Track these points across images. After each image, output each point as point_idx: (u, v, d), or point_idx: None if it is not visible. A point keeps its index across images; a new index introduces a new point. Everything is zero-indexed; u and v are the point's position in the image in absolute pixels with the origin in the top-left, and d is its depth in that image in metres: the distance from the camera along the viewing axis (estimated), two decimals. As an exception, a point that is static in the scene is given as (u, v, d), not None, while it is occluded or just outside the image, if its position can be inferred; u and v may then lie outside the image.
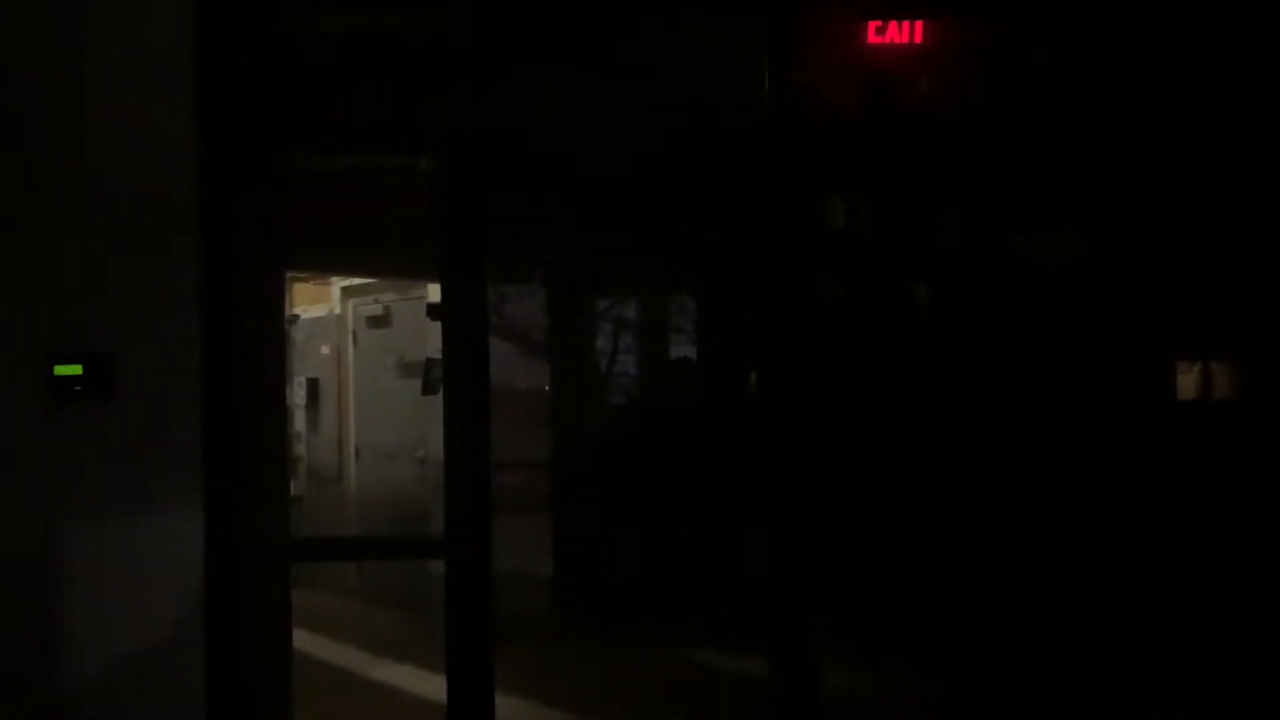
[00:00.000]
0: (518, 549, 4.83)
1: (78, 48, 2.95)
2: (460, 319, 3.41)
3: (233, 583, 3.13)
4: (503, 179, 3.59)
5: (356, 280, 7.31)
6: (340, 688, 4.99)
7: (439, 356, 3.56)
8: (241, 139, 3.14)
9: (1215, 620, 4.07)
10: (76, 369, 2.89)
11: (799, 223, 4.30)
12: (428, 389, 5.99)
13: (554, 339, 6.18)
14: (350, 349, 7.43)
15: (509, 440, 4.18)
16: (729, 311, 6.13)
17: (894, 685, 4.35)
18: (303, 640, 3.55)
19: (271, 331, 3.51)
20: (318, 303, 7.69)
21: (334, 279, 7.41)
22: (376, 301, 7.19)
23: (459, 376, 3.39)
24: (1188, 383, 5.18)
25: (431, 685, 4.85)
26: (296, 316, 7.48)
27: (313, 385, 7.61)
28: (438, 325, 7.03)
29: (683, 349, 6.56)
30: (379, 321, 7.21)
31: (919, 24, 4.07)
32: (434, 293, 6.72)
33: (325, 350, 7.57)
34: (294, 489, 6.53)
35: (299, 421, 7.54)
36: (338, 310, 7.55)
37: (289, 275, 6.02)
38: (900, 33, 4.11)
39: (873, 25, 4.11)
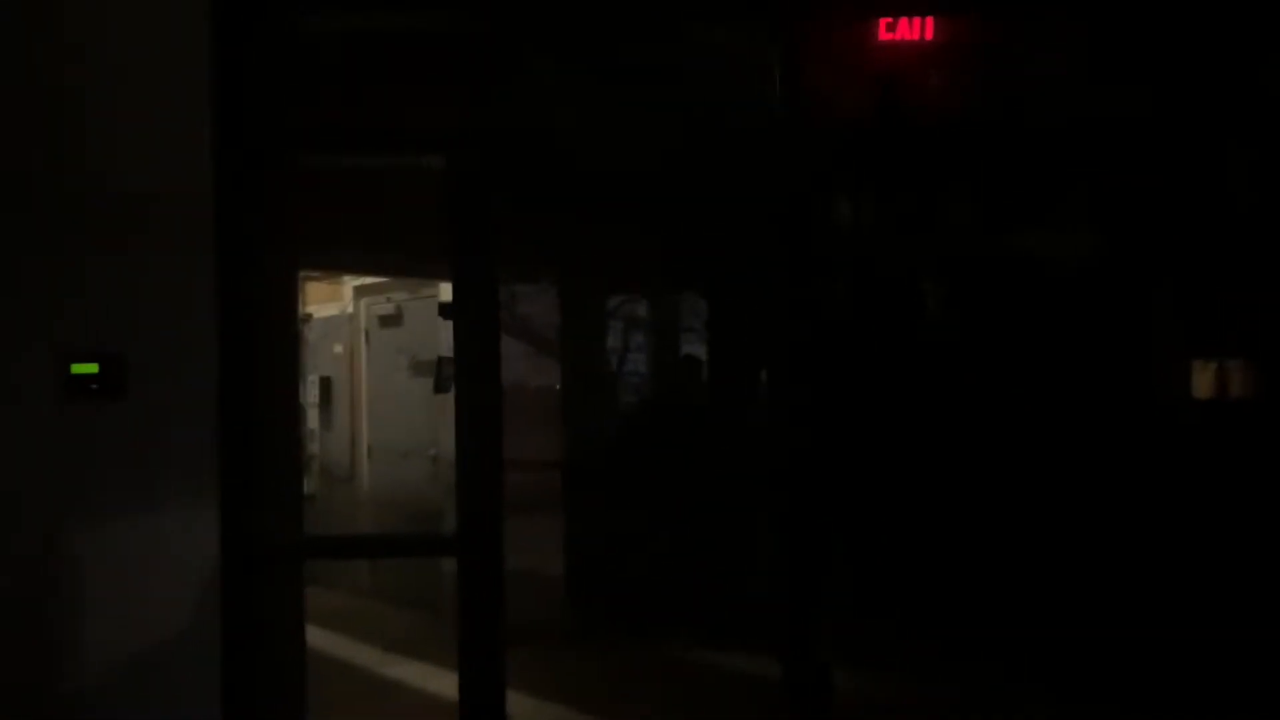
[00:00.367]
0: (529, 548, 4.83)
1: (93, 49, 2.97)
2: (471, 318, 3.41)
3: (246, 580, 3.15)
4: (514, 178, 3.60)
5: (369, 280, 7.34)
6: (354, 686, 5.01)
7: (451, 355, 3.56)
8: (255, 139, 3.15)
9: (1227, 621, 4.05)
10: (92, 367, 2.91)
11: (809, 222, 4.30)
12: (440, 387, 6.01)
13: (565, 338, 6.19)
14: (363, 348, 7.46)
15: (520, 439, 4.19)
16: (740, 311, 6.13)
17: (905, 687, 4.35)
18: (316, 638, 3.56)
19: (285, 330, 3.53)
20: (331, 302, 7.73)
21: (347, 278, 7.44)
22: (389, 301, 7.22)
23: (471, 375, 3.39)
24: (1201, 382, 5.15)
25: (444, 683, 4.86)
26: (310, 315, 7.52)
27: (326, 384, 7.65)
28: (449, 324, 7.06)
29: (693, 348, 6.56)
30: (391, 320, 7.24)
31: (929, 21, 4.06)
32: (445, 292, 6.77)
33: (338, 349, 7.60)
34: (307, 487, 6.57)
35: (312, 420, 7.58)
36: (350, 309, 7.58)
37: (302, 274, 6.04)
38: (911, 30, 4.10)
39: (883, 22, 4.10)
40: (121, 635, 2.91)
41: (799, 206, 4.30)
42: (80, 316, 2.92)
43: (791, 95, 3.73)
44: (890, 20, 4.09)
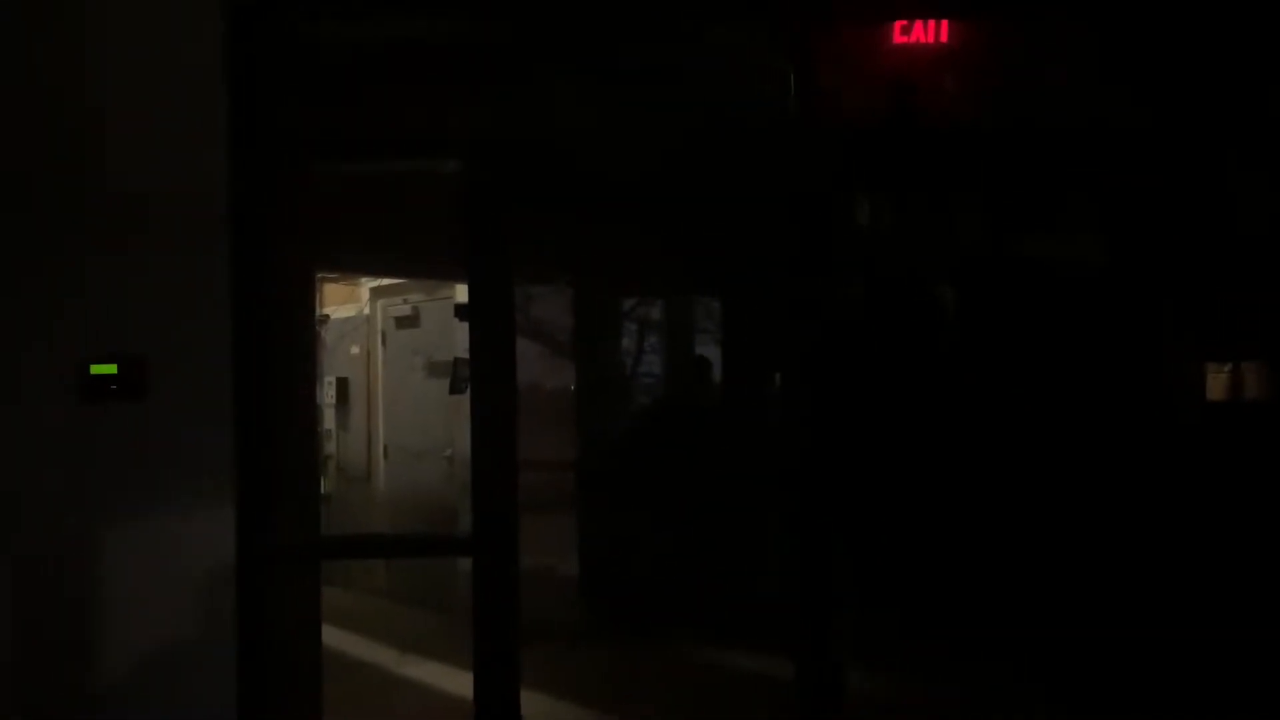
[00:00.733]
0: (543, 549, 4.86)
1: (111, 54, 3.00)
2: (487, 319, 3.43)
3: (262, 580, 3.17)
4: (528, 181, 3.61)
5: (385, 281, 7.38)
6: (369, 685, 5.04)
7: (466, 356, 3.59)
8: (272, 142, 3.18)
9: (1231, 622, 4.03)
10: (111, 368, 2.94)
11: (822, 225, 4.30)
12: (455, 388, 6.03)
13: (579, 339, 6.21)
14: (379, 349, 7.50)
15: (535, 440, 4.21)
16: (753, 313, 6.14)
17: (913, 686, 4.34)
18: (332, 638, 3.59)
19: (302, 331, 3.56)
20: (348, 303, 7.78)
21: (364, 280, 7.49)
22: (405, 302, 7.26)
23: (486, 376, 3.41)
24: (1214, 385, 5.13)
25: (459, 682, 4.88)
26: (327, 317, 7.57)
27: (342, 384, 7.69)
28: (465, 326, 7.09)
29: (706, 350, 6.57)
30: (407, 322, 7.28)
31: (944, 24, 4.06)
32: (461, 293, 6.80)
33: (355, 350, 7.65)
34: (323, 487, 6.61)
35: (329, 420, 7.63)
36: (367, 311, 7.63)
37: (320, 276, 6.09)
38: (925, 32, 4.10)
39: (898, 25, 4.10)
40: (137, 636, 2.94)
41: (811, 209, 4.31)
42: (98, 317, 2.95)
43: (805, 98, 3.73)
44: (905, 23, 4.09)
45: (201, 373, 3.03)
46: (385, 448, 7.38)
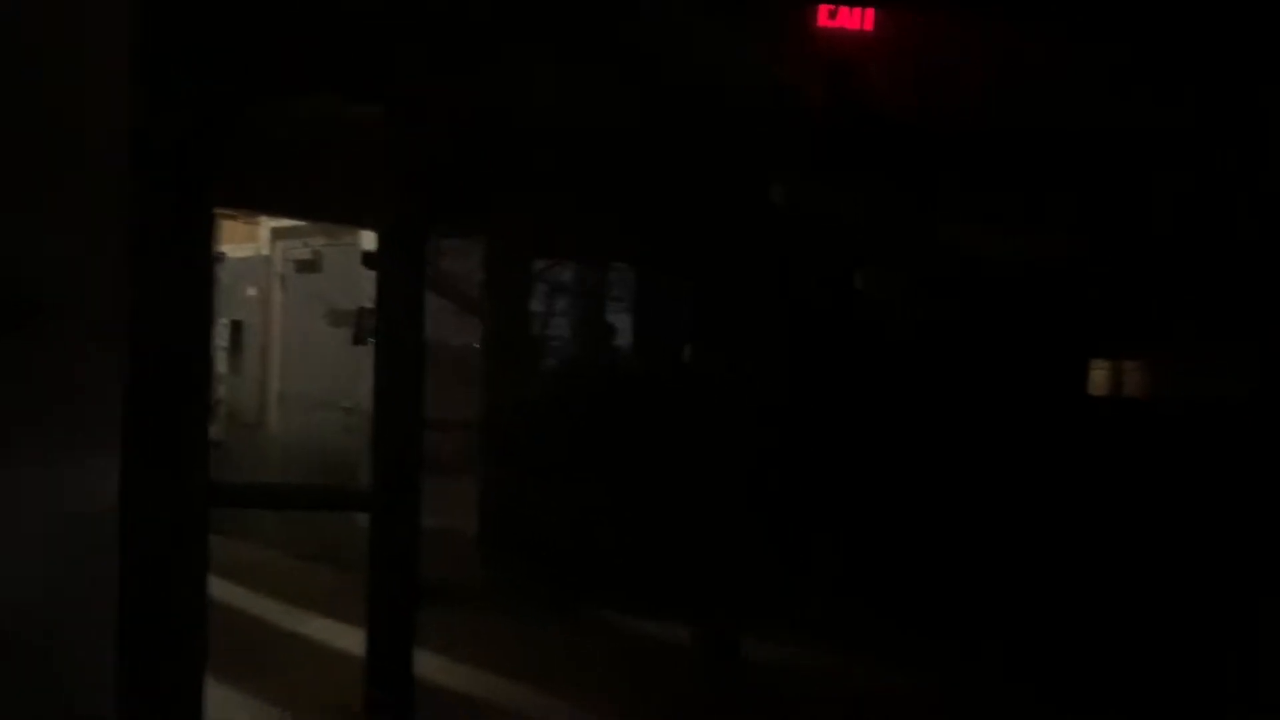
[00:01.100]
0: (441, 509, 4.77)
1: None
2: (397, 270, 3.33)
3: (150, 527, 3.03)
4: (452, 134, 3.51)
5: (286, 222, 7.12)
6: (255, 639, 4.90)
7: (372, 306, 3.47)
8: (181, 75, 3.00)
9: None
10: (-12, 299, 2.75)
11: (740, 202, 4.29)
12: (359, 339, 5.88)
13: (489, 297, 6.09)
14: (277, 292, 7.25)
15: (436, 398, 4.11)
16: (667, 283, 6.12)
17: (820, 659, 4.41)
18: (219, 590, 3.46)
19: (200, 270, 3.39)
20: (245, 243, 7.49)
21: (263, 219, 7.21)
22: (306, 245, 7.02)
23: (392, 328, 3.31)
24: (1119, 379, 5.31)
25: (350, 639, 4.79)
26: (222, 255, 7.27)
27: (236, 327, 7.42)
28: (371, 273, 6.89)
29: (618, 317, 6.53)
30: (309, 266, 7.04)
31: (869, 12, 4.08)
32: (368, 240, 6.61)
33: (251, 292, 7.37)
34: (212, 433, 6.37)
35: (220, 363, 7.35)
36: (266, 252, 7.35)
37: (217, 213, 5.82)
38: (851, 19, 4.11)
39: (824, 9, 4.10)
40: (10, 584, 2.78)
41: (738, 185, 4.29)
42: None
43: (737, 75, 3.71)
44: (831, 8, 4.09)
45: (92, 308, 2.85)
46: (279, 395, 7.16)
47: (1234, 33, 3.79)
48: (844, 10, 4.20)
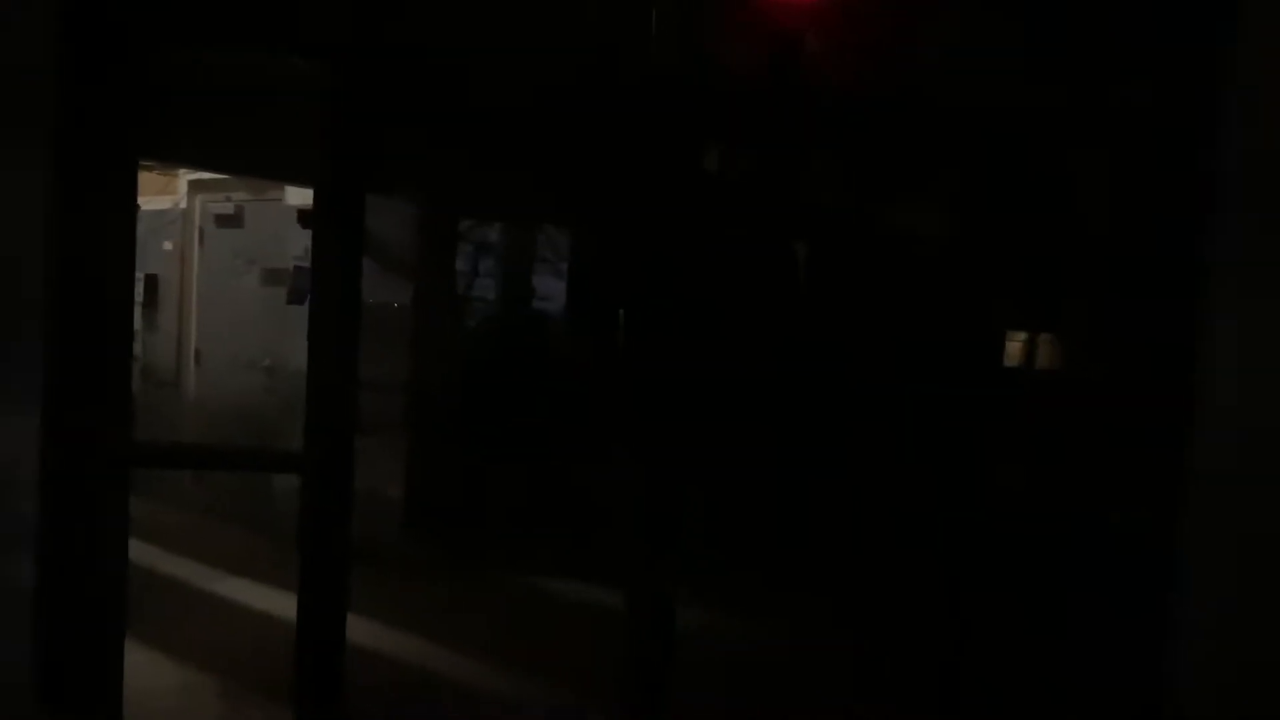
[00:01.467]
0: (365, 470, 4.72)
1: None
2: (333, 228, 3.25)
3: (69, 487, 2.95)
4: (388, 90, 3.43)
5: (206, 175, 6.90)
6: (179, 601, 4.81)
7: (307, 264, 3.40)
8: (101, 20, 2.89)
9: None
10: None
11: (675, 169, 4.28)
12: (294, 299, 5.75)
13: (420, 258, 6.01)
14: (196, 247, 7.03)
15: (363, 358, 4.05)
16: (599, 247, 6.11)
17: (746, 620, 4.50)
18: (138, 551, 3.38)
19: (123, 223, 3.29)
20: (162, 194, 7.23)
21: (181, 171, 6.97)
22: (228, 200, 6.81)
23: (328, 287, 3.25)
24: (1012, 351, 5.47)
25: (273, 600, 4.73)
26: (137, 208, 7.01)
27: (151, 282, 7.18)
28: (293, 229, 6.73)
29: (551, 280, 6.50)
30: (229, 220, 6.84)
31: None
32: (292, 195, 6.46)
33: (167, 246, 7.14)
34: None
35: (135, 320, 7.11)
36: (183, 205, 7.12)
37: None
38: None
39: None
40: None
41: (667, 151, 4.28)
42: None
43: (672, 40, 3.69)
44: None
45: (10, 261, 2.75)
46: (197, 353, 6.96)
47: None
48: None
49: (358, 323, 3.24)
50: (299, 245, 6.28)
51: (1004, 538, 4.52)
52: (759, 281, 5.49)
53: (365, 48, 3.13)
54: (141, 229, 7.78)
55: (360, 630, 3.53)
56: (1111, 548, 4.27)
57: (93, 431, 3.05)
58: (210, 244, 6.96)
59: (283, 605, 4.34)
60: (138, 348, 7.26)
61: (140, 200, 7.75)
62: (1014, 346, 5.45)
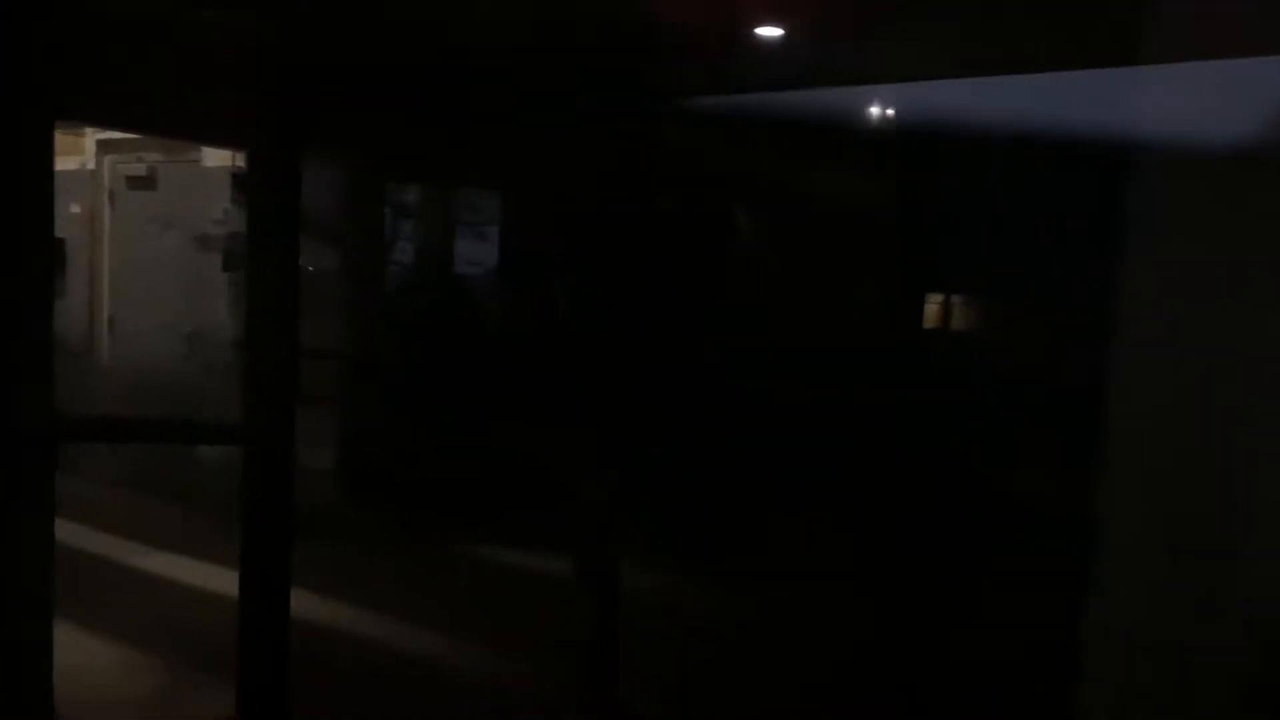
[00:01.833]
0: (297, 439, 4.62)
1: None
2: (270, 191, 3.14)
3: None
4: (322, 46, 3.32)
5: (116, 134, 6.60)
6: (104, 578, 4.66)
7: (242, 230, 3.28)
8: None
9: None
10: None
11: (599, 131, 4.22)
12: (229, 265, 5.56)
13: (350, 222, 5.86)
14: (106, 210, 6.74)
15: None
16: (532, 213, 6.04)
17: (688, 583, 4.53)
18: (61, 529, 3.26)
19: (39, 187, 3.13)
20: (69, 155, 6.91)
21: (89, 130, 6.66)
22: (140, 161, 6.53)
23: (265, 253, 3.14)
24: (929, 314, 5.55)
25: (201, 574, 4.62)
26: (53, 170, 6.69)
27: (59, 246, 6.87)
28: (211, 192, 6.51)
29: (483, 246, 6.41)
30: (142, 182, 6.56)
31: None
32: (209, 157, 6.23)
33: (75, 209, 6.83)
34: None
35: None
36: (92, 165, 6.80)
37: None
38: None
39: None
40: None
41: (597, 114, 4.22)
42: None
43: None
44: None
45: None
46: (111, 320, 6.70)
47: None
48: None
49: (297, 289, 3.15)
50: (217, 208, 6.07)
51: (917, 511, 4.60)
52: (691, 247, 5.49)
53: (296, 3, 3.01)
54: (47, 191, 7.40)
55: (304, 604, 3.46)
56: (1026, 521, 4.35)
57: (15, 407, 2.92)
58: (122, 207, 6.67)
59: (211, 578, 4.25)
60: (46, 315, 6.96)
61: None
62: (929, 309, 5.53)
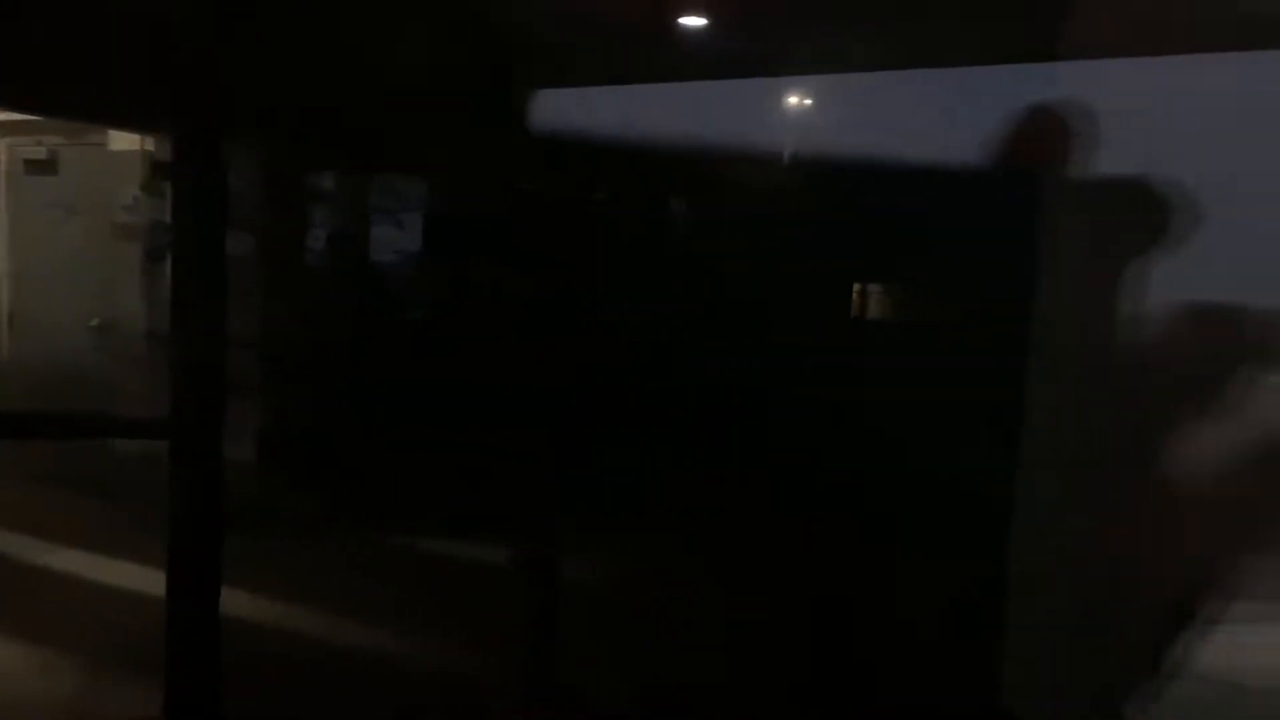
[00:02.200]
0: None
1: None
2: (194, 177, 3.06)
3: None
4: (244, 29, 3.23)
5: (11, 116, 6.30)
6: (9, 578, 4.48)
7: (166, 220, 3.19)
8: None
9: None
10: None
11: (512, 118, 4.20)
12: (153, 255, 5.37)
13: (265, 208, 5.71)
14: (2, 195, 6.44)
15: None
16: (452, 198, 5.97)
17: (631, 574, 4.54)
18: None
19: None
20: (-40, 139, 6.59)
21: (-18, 112, 6.35)
22: (40, 144, 6.25)
23: (190, 242, 3.06)
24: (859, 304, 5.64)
25: (116, 572, 4.48)
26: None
27: (-50, 235, 6.56)
28: (118, 177, 6.30)
29: (403, 232, 6.32)
30: (42, 167, 6.29)
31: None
32: (116, 140, 6.01)
33: (-33, 195, 6.52)
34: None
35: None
36: (-15, 149, 6.50)
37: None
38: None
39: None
40: None
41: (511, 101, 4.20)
42: None
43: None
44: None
45: None
46: (10, 314, 6.41)
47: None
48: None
49: (224, 279, 3.07)
50: (126, 194, 5.86)
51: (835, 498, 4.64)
52: (615, 235, 5.49)
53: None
54: (-65, 176, 7.09)
55: (235, 600, 3.38)
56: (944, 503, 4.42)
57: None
58: (19, 192, 6.39)
59: (131, 576, 4.13)
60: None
61: (-69, 145, 7.05)
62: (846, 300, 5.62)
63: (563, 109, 5.40)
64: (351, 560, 4.84)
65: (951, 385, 4.80)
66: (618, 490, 4.97)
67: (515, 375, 4.68)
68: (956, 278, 5.42)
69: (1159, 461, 3.09)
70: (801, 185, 5.87)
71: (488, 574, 3.92)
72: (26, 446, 5.65)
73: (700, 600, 4.29)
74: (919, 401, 4.97)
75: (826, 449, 5.10)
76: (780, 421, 5.38)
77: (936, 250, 5.57)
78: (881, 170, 5.71)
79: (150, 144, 5.66)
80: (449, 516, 4.89)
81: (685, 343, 5.56)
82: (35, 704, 3.45)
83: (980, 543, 3.52)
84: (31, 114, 6.11)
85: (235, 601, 3.64)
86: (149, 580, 3.13)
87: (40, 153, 6.25)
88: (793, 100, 5.30)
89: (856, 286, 6.01)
